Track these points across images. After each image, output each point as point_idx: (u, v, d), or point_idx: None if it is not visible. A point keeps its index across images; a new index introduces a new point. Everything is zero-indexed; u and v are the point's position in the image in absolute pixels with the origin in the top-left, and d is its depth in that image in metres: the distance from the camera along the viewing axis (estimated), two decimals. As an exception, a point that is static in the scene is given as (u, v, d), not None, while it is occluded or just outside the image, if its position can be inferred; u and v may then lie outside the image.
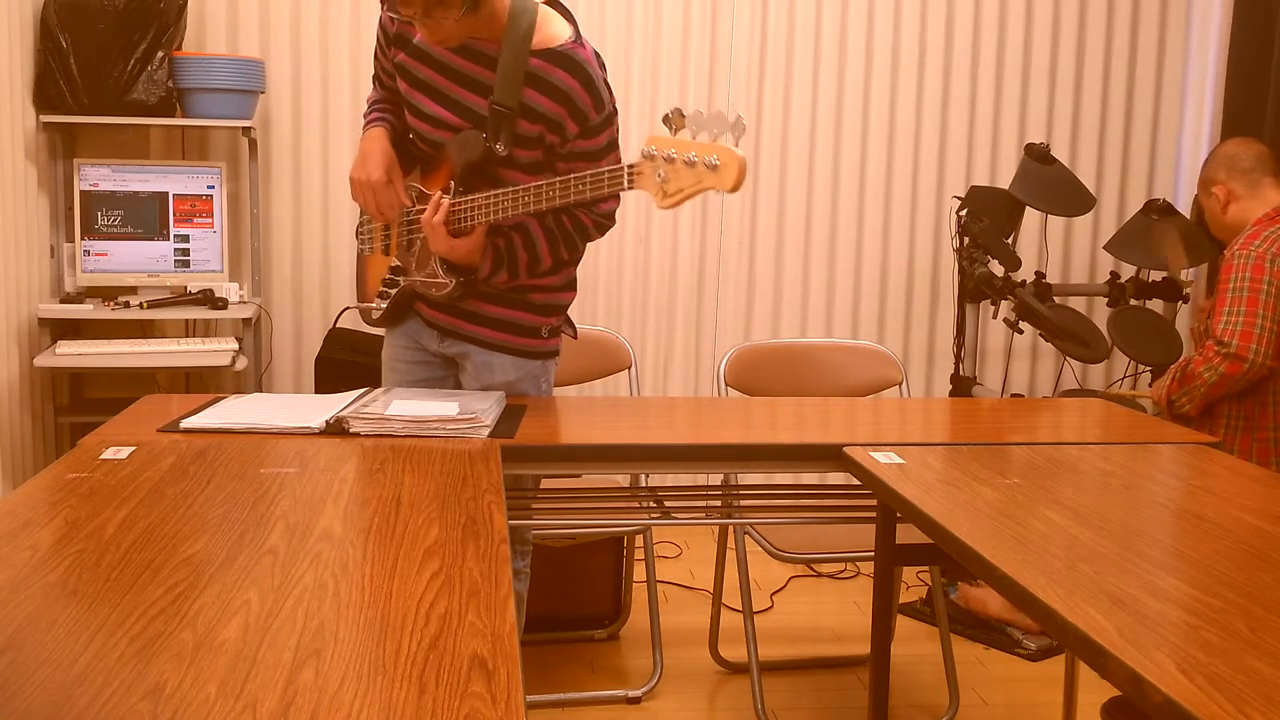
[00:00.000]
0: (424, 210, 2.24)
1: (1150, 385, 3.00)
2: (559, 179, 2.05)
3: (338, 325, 3.64)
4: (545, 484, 2.43)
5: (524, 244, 2.23)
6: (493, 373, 2.31)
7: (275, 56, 3.75)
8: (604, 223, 2.28)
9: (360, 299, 2.48)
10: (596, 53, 2.18)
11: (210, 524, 1.51)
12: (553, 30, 2.14)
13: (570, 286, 2.37)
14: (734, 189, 1.84)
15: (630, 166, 1.96)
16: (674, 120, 1.90)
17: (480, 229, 2.17)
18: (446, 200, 2.17)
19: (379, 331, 2.51)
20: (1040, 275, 3.57)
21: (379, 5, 3.74)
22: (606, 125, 2.18)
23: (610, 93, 2.19)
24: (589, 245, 2.37)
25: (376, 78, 2.40)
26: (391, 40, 2.27)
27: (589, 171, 2.02)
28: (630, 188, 1.97)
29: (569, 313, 2.42)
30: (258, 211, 3.65)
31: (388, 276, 2.39)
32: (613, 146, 2.24)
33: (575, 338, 2.47)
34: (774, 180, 4.06)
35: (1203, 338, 2.83)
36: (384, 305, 2.38)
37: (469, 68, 2.18)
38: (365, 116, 2.38)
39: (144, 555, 1.39)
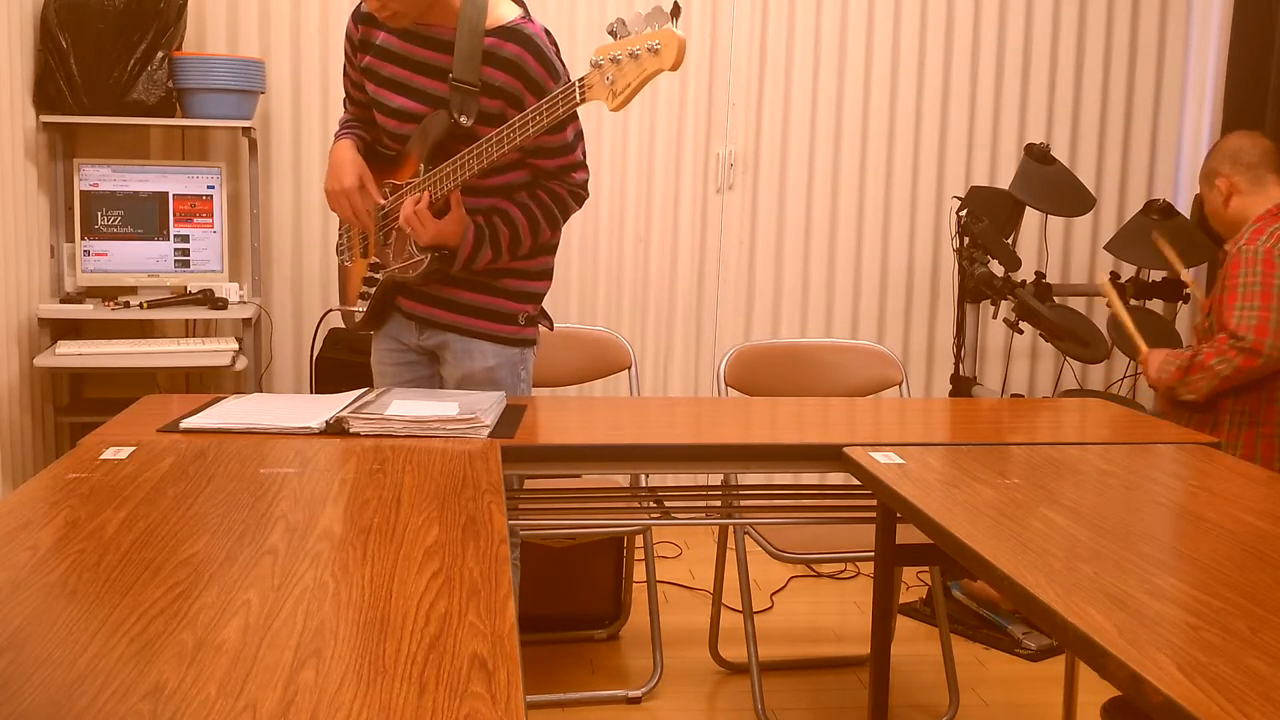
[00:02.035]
0: (397, 204, 2.29)
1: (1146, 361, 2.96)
2: (516, 118, 2.10)
3: (334, 327, 3.64)
4: (546, 484, 2.44)
5: (504, 222, 2.28)
6: (472, 358, 2.34)
7: (275, 56, 3.75)
8: (579, 192, 2.35)
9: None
10: (547, 30, 2.26)
11: (210, 524, 1.51)
12: (503, 10, 2.23)
13: (545, 275, 2.41)
14: (674, 66, 1.90)
15: (580, 80, 2.02)
16: (617, 28, 1.97)
17: (456, 203, 2.22)
18: (424, 194, 2.23)
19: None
20: (1040, 275, 3.57)
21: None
22: (571, 118, 2.25)
23: (565, 68, 2.26)
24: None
25: (347, 96, 2.48)
26: (357, 47, 2.36)
27: (542, 101, 2.08)
28: (584, 100, 2.02)
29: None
30: (258, 211, 3.65)
31: (367, 275, 2.42)
32: (580, 138, 2.31)
33: (552, 329, 2.51)
34: (774, 180, 4.06)
35: (1207, 333, 2.83)
36: (364, 307, 2.42)
37: (428, 55, 2.25)
38: (335, 136, 2.45)
39: (144, 555, 1.39)
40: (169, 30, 3.40)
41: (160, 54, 3.40)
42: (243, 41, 3.73)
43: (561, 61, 2.25)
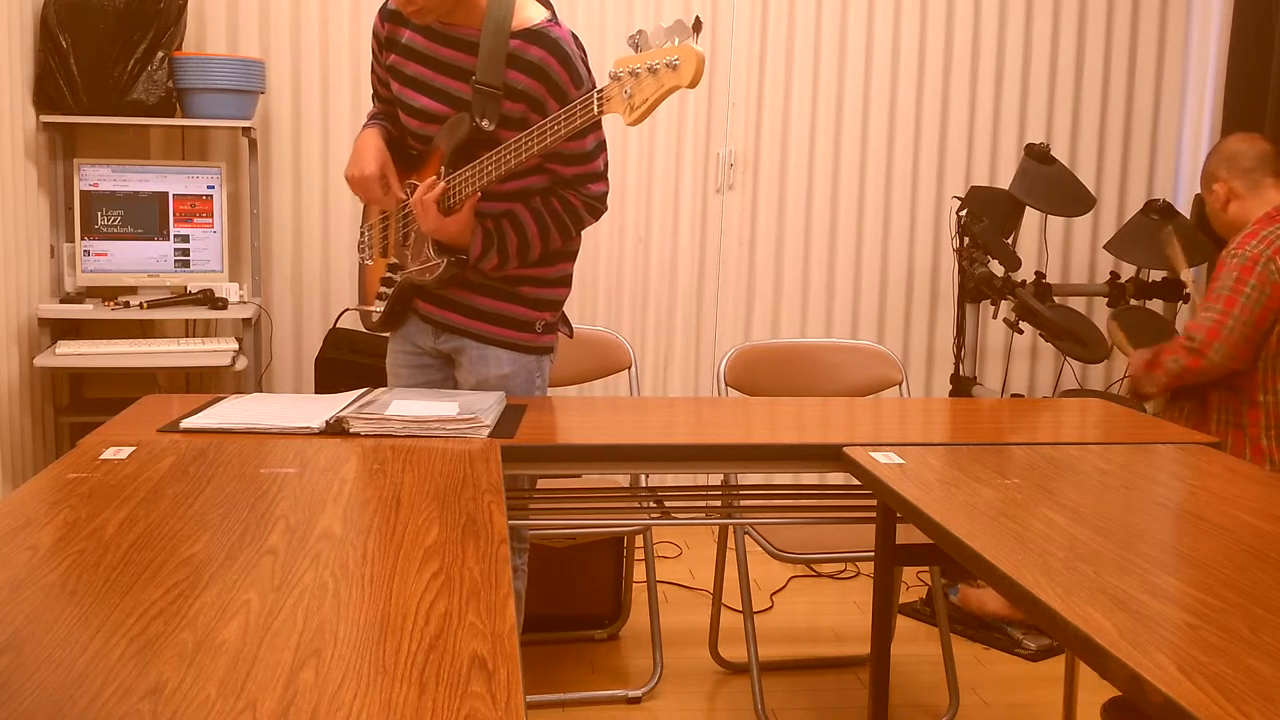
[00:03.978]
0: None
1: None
2: (534, 127, 2.08)
3: (338, 326, 3.65)
4: (545, 484, 2.43)
5: (513, 227, 2.26)
6: (487, 366, 2.33)
7: (275, 56, 3.75)
8: (595, 205, 2.31)
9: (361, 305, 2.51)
10: (574, 34, 2.23)
11: (210, 524, 1.51)
12: (529, 12, 2.20)
13: (564, 283, 2.38)
14: (693, 83, 1.87)
15: (599, 91, 1.99)
16: (639, 40, 1.94)
17: (468, 205, 2.20)
18: (440, 181, 2.21)
19: (378, 332, 2.52)
20: (1040, 275, 3.57)
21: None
22: (594, 127, 2.21)
23: (590, 74, 2.22)
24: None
25: (375, 93, 2.46)
26: (383, 45, 2.34)
27: (560, 110, 2.05)
28: (601, 112, 2.00)
29: (566, 312, 2.44)
30: (258, 211, 3.65)
31: (385, 275, 2.41)
32: (602, 148, 2.28)
33: (571, 336, 2.49)
34: (774, 180, 4.06)
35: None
36: (381, 307, 2.40)
37: (453, 56, 2.23)
38: (364, 127, 2.42)
39: (144, 555, 1.39)
40: (169, 30, 3.40)
41: (160, 54, 3.40)
42: (243, 41, 3.73)
43: (587, 67, 2.21)
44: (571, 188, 2.27)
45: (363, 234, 2.51)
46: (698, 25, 1.86)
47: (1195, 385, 2.80)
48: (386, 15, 2.33)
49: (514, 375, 2.34)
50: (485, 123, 2.17)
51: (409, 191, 2.33)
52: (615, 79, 1.96)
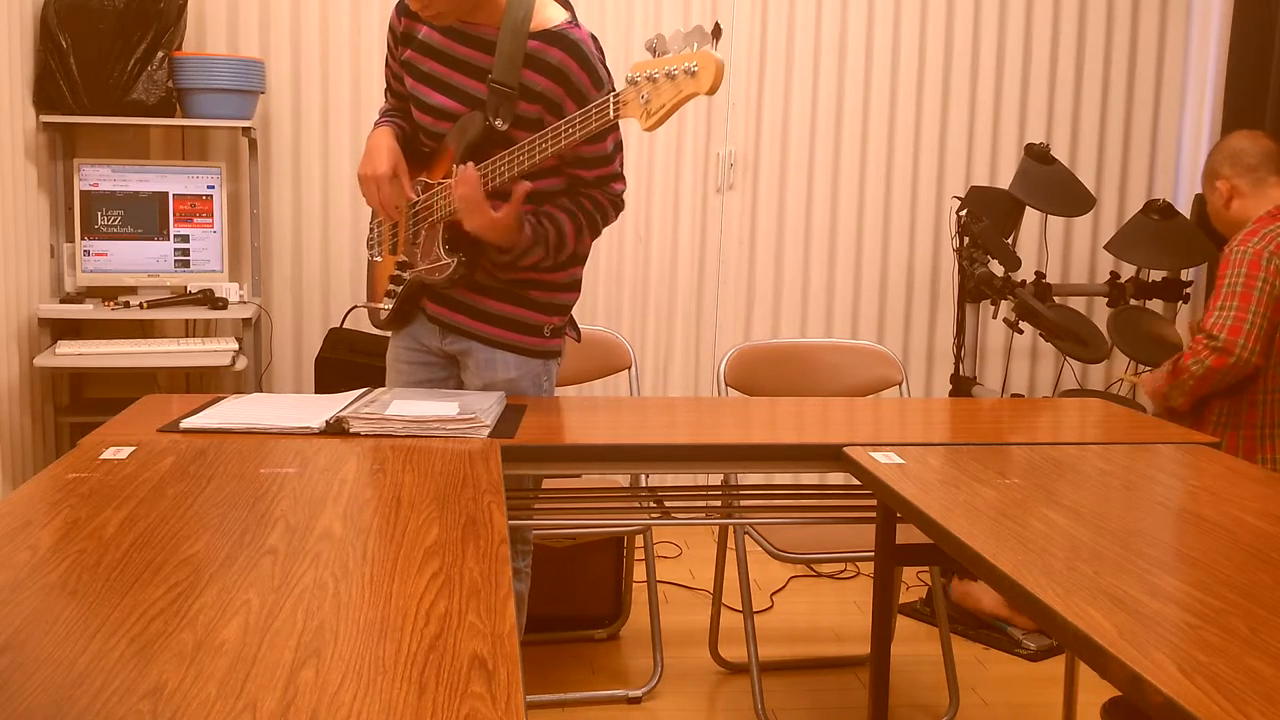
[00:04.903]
0: (429, 202, 2.26)
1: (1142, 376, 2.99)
2: (549, 129, 2.06)
3: (339, 326, 3.64)
4: (545, 484, 2.43)
5: (550, 223, 2.24)
6: (494, 369, 2.32)
7: (275, 56, 3.75)
8: (618, 202, 2.31)
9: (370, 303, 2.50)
10: (594, 36, 2.21)
11: (210, 524, 1.51)
12: (549, 13, 2.19)
13: (574, 287, 2.37)
14: (712, 90, 1.85)
15: (615, 95, 1.97)
16: (656, 45, 1.93)
17: (516, 198, 2.13)
18: (471, 167, 2.14)
19: (379, 331, 2.52)
20: (1040, 275, 3.57)
21: (381, 9, 3.75)
22: (612, 129, 2.20)
23: (609, 76, 2.20)
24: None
25: (388, 88, 2.45)
26: (399, 39, 2.33)
27: (575, 114, 2.03)
28: (618, 116, 1.97)
29: (573, 316, 2.43)
30: (258, 211, 3.65)
31: (394, 273, 2.40)
32: (619, 148, 2.27)
33: (579, 340, 2.48)
34: (774, 180, 4.06)
35: (1195, 333, 2.84)
36: (390, 305, 2.40)
37: (469, 54, 2.22)
38: (375, 124, 2.41)
39: (144, 555, 1.39)
40: (169, 30, 3.40)
41: (160, 54, 3.40)
42: (243, 41, 3.73)
43: (606, 69, 2.20)
44: (595, 188, 2.27)
45: (372, 230, 2.50)
46: (717, 31, 1.83)
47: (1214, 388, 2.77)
48: (403, 10, 2.31)
49: (521, 379, 2.33)
50: (499, 122, 2.15)
51: (419, 191, 2.32)
52: (632, 84, 1.94)
